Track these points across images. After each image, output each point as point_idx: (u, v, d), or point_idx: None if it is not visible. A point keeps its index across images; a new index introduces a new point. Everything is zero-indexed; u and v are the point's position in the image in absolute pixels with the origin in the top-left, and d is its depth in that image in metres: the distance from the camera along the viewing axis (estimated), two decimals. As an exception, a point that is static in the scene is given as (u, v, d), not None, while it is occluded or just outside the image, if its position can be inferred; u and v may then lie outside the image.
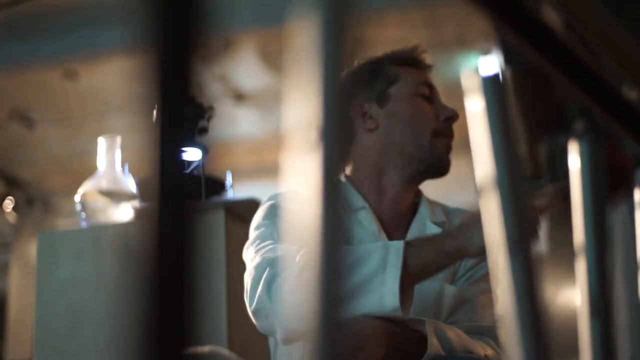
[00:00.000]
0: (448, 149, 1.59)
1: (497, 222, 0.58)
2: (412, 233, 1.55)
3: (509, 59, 0.78)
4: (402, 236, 1.55)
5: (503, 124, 0.60)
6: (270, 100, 4.68)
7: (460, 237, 1.30)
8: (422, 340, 1.30)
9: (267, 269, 1.34)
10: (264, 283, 1.32)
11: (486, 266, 1.48)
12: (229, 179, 2.31)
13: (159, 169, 0.36)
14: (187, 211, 0.36)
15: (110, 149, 2.15)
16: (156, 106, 0.35)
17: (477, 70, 0.60)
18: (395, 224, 1.58)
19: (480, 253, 1.27)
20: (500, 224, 0.58)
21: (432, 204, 1.65)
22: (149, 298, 0.33)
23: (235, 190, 2.36)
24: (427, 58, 1.70)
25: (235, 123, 4.93)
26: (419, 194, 1.65)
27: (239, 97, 4.73)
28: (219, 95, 4.78)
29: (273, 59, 4.30)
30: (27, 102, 4.65)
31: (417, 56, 1.67)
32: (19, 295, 5.72)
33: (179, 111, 0.35)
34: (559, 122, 4.16)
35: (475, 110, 0.60)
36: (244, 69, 4.47)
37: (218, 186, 2.30)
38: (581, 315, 0.65)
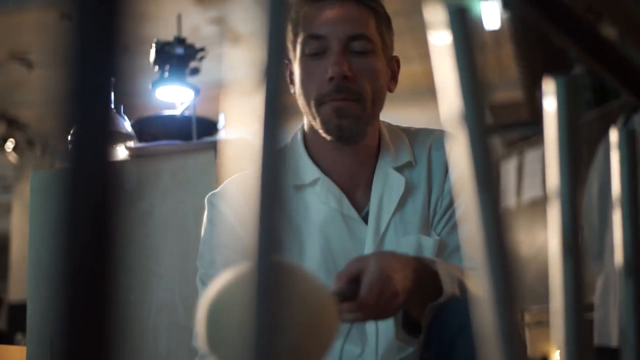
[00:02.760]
0: (342, 114, 1.37)
1: (465, 160, 0.59)
2: (376, 190, 1.42)
3: (509, 2, 0.78)
4: (365, 195, 1.43)
5: (469, 59, 0.61)
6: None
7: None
8: (437, 279, 1.25)
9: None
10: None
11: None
12: (221, 121, 2.32)
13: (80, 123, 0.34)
14: (104, 167, 0.34)
15: (103, 90, 2.15)
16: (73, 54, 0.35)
17: (441, 2, 0.60)
18: (355, 183, 1.44)
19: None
20: (468, 162, 0.59)
21: (396, 139, 1.47)
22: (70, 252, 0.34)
23: (230, 132, 2.37)
24: None
25: (233, 65, 4.92)
26: (378, 135, 1.47)
27: (237, 39, 4.72)
28: (216, 37, 4.77)
29: None
30: (26, 43, 4.65)
31: None
32: (20, 236, 5.77)
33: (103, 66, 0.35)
34: (558, 66, 4.16)
35: (440, 45, 0.61)
36: (242, 11, 4.44)
37: (210, 127, 2.32)
38: (553, 256, 0.67)
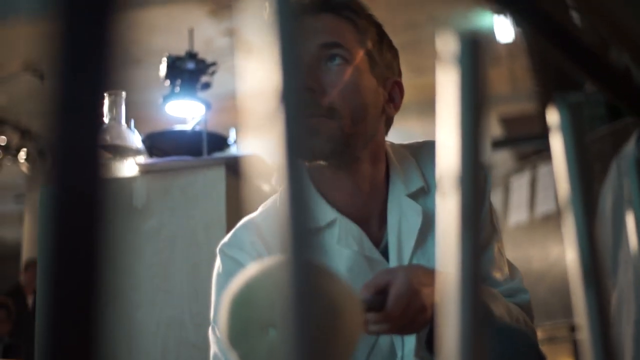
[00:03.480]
0: (311, 132, 1.23)
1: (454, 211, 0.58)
2: (393, 223, 1.31)
3: (522, 17, 0.77)
4: (380, 227, 1.33)
5: (476, 96, 0.60)
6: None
7: None
8: None
9: None
10: None
11: None
12: (232, 135, 2.32)
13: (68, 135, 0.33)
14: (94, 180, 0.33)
15: (114, 104, 2.15)
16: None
17: (454, 34, 0.59)
18: (368, 215, 1.33)
19: None
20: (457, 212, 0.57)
21: (404, 162, 1.36)
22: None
23: (243, 145, 2.36)
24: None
25: (245, 76, 4.92)
26: (382, 162, 1.34)
27: (250, 51, 4.73)
28: (229, 48, 4.77)
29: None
30: (39, 54, 4.67)
31: (297, 6, 1.38)
32: (31, 245, 5.78)
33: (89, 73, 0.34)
34: (572, 79, 4.13)
35: (447, 79, 0.59)
36: (255, 22, 4.45)
37: (220, 142, 2.31)
38: (574, 285, 0.66)
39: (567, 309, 3.76)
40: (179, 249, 2.00)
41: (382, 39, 1.35)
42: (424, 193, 1.34)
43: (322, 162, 1.27)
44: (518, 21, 0.67)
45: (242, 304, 0.81)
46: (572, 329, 3.85)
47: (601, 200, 3.05)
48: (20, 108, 5.47)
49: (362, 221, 1.32)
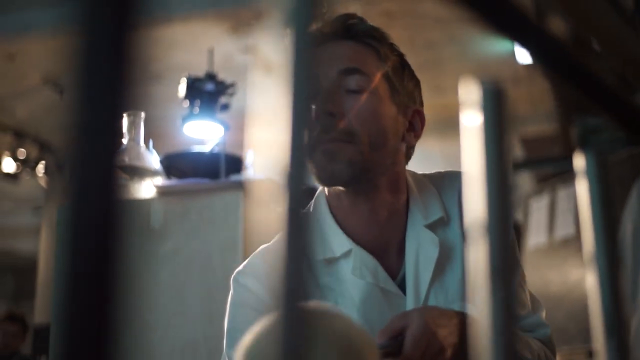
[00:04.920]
0: (332, 157, 1.22)
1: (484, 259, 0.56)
2: (410, 254, 1.29)
3: (534, 51, 0.75)
4: (398, 257, 1.30)
5: (500, 145, 0.58)
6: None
7: None
8: None
9: None
10: None
11: None
12: (249, 157, 2.31)
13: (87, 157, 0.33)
14: (111, 201, 0.32)
15: (133, 124, 2.14)
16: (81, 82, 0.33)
17: (477, 83, 0.58)
18: (386, 244, 1.30)
19: None
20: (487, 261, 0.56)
21: (424, 191, 1.34)
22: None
23: (260, 165, 2.35)
24: (333, 28, 1.29)
25: (265, 93, 4.92)
26: (401, 191, 1.32)
27: (269, 68, 4.73)
28: (249, 66, 4.77)
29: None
30: (59, 68, 4.70)
31: (319, 34, 1.28)
32: (47, 259, 5.79)
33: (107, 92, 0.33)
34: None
35: (470, 127, 0.58)
36: (274, 41, 4.45)
37: (237, 164, 2.30)
38: (597, 334, 0.64)
39: (585, 334, 3.72)
40: (195, 272, 1.99)
41: (404, 67, 1.34)
42: (444, 224, 1.31)
43: (340, 188, 1.26)
44: (533, 57, 0.65)
45: (255, 357, 0.79)
46: (590, 354, 3.80)
47: (622, 225, 3.02)
48: (40, 122, 5.49)
49: (379, 251, 1.29)
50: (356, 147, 1.23)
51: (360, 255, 1.28)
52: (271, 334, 0.79)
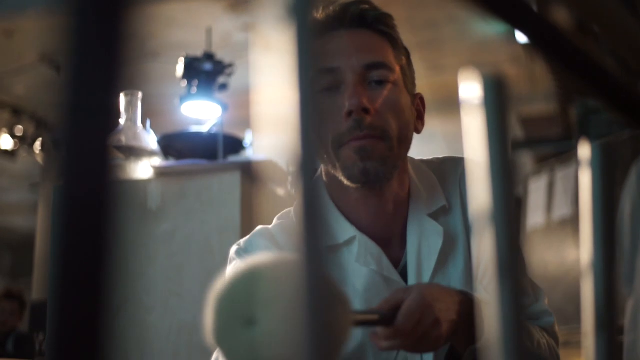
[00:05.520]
0: (365, 154, 1.19)
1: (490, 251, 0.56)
2: (412, 244, 1.27)
3: (530, 34, 0.74)
4: (400, 247, 1.28)
5: (502, 137, 0.57)
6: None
7: None
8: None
9: None
10: None
11: None
12: (248, 138, 2.29)
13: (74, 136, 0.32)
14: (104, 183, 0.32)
15: (130, 104, 2.13)
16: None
17: (477, 77, 0.57)
18: (389, 235, 1.28)
19: None
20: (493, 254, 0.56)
21: (425, 180, 1.32)
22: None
23: (258, 143, 2.34)
24: (350, 13, 1.25)
25: (264, 71, 4.91)
26: (406, 181, 1.30)
27: (268, 46, 4.71)
28: (247, 44, 4.75)
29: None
30: (55, 45, 4.68)
31: (330, 18, 1.24)
32: (44, 236, 5.79)
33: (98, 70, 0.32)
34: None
35: (471, 122, 0.57)
36: (274, 18, 4.43)
37: (236, 145, 2.29)
38: (587, 329, 0.64)
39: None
40: (193, 253, 1.98)
41: (408, 53, 1.32)
42: (446, 212, 1.30)
43: (371, 187, 1.23)
44: (532, 42, 0.64)
45: (225, 300, 0.80)
46: (587, 334, 3.81)
47: (621, 206, 3.02)
48: (37, 99, 5.48)
49: (382, 240, 1.27)
50: (387, 143, 1.20)
51: (365, 243, 1.25)
52: (244, 278, 0.79)
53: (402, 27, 1.35)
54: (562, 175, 4.15)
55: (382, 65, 1.23)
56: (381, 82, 1.22)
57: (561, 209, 4.10)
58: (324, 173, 1.29)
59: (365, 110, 1.19)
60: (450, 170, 1.34)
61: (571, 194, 4.01)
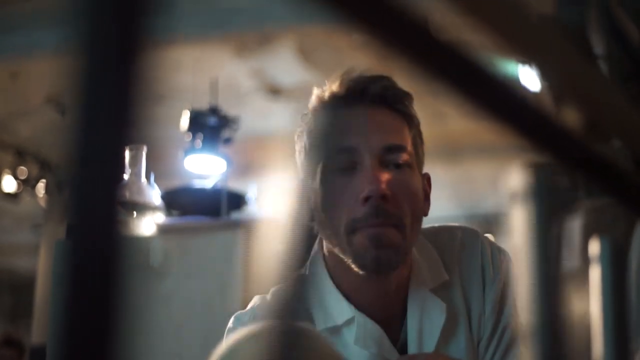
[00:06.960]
0: (380, 243, 1.13)
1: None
2: (413, 321, 1.22)
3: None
4: (401, 324, 1.23)
5: (550, 233, 0.57)
6: (306, 96, 4.68)
7: None
8: None
9: None
10: None
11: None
12: (251, 192, 2.28)
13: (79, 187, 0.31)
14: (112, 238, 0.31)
15: (135, 159, 2.10)
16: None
17: (525, 169, 0.55)
18: (389, 313, 1.23)
19: None
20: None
21: (424, 252, 1.26)
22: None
23: (262, 203, 2.32)
24: (368, 85, 1.19)
25: (270, 117, 4.91)
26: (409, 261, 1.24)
27: (275, 91, 4.71)
28: (254, 89, 4.76)
29: (310, 55, 4.29)
30: (62, 88, 4.70)
31: (349, 93, 1.18)
32: (45, 278, 5.77)
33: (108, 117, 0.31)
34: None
35: (517, 213, 0.56)
36: (281, 64, 4.45)
37: (239, 200, 2.27)
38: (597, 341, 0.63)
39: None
40: (194, 312, 1.96)
41: (420, 131, 1.27)
42: (447, 287, 1.24)
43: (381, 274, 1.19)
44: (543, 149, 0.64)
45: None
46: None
47: (629, 259, 2.99)
48: (41, 141, 5.49)
49: (382, 318, 1.22)
50: (401, 230, 1.15)
51: (364, 324, 1.20)
52: (245, 345, 0.80)
53: (404, 75, 1.30)
54: (569, 227, 4.13)
55: (401, 149, 1.18)
56: (399, 166, 1.17)
57: (568, 261, 4.07)
58: (325, 250, 1.24)
59: (384, 197, 1.13)
60: (447, 242, 1.28)
61: (578, 246, 3.99)
